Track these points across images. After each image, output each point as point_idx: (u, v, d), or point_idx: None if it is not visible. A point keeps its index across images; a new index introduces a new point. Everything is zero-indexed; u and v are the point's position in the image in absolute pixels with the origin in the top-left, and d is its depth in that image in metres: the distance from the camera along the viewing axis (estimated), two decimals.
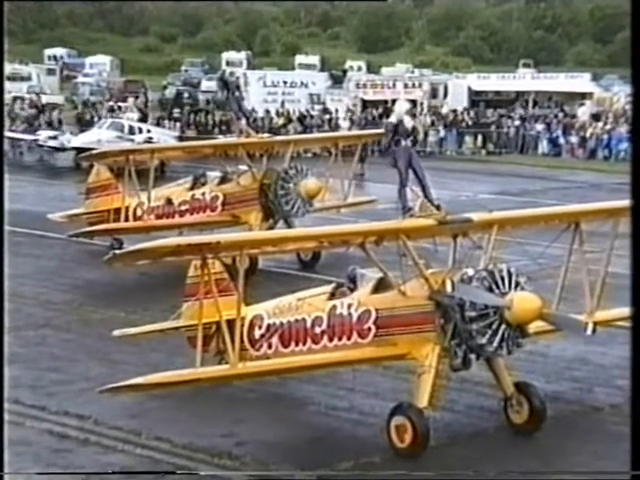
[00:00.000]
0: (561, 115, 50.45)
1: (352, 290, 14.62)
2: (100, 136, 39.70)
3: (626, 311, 13.56)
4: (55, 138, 42.09)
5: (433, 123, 49.04)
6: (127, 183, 24.42)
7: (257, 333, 15.14)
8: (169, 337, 16.17)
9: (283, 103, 51.23)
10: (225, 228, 23.80)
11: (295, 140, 29.93)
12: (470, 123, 49.35)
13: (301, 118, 49.57)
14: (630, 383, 10.51)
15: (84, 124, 47.15)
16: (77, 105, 54.85)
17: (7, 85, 55.26)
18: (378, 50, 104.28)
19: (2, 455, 11.08)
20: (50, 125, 46.35)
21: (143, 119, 45.95)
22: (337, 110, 50.83)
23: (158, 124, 46.98)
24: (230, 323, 13.54)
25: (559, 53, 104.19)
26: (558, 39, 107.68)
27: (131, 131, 40.77)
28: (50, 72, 73.74)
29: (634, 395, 10.43)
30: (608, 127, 47.37)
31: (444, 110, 51.30)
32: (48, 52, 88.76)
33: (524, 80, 59.29)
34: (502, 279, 13.40)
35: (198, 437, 13.95)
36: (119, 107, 50.48)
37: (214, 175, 25.40)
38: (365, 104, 52.22)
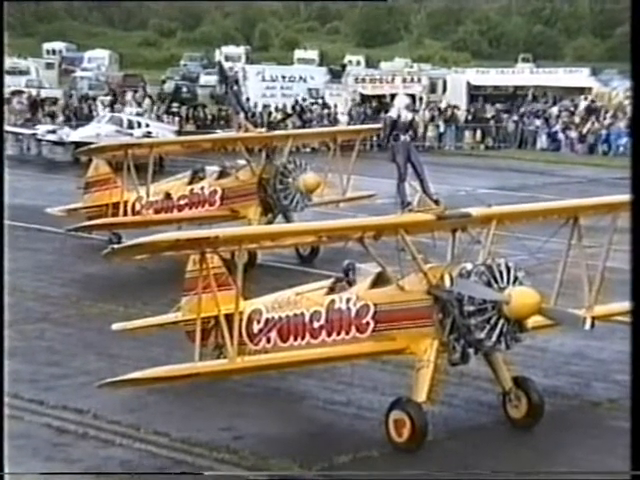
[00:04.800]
0: (556, 109, 50.38)
1: (350, 284, 14.64)
2: (99, 130, 39.70)
3: (625, 306, 13.61)
4: (54, 132, 42.08)
5: (433, 118, 49.03)
6: (126, 177, 24.43)
7: (256, 327, 15.15)
8: (168, 331, 16.17)
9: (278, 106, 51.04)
10: (224, 223, 23.78)
11: (294, 135, 29.91)
12: (469, 118, 49.35)
13: (300, 113, 49.55)
14: (630, 383, 10.49)
15: (82, 118, 47.09)
16: (74, 99, 54.61)
17: (6, 79, 55.19)
18: (377, 44, 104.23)
19: (2, 455, 11.08)
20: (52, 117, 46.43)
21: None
22: (336, 105, 50.84)
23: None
24: (229, 317, 13.55)
25: (558, 47, 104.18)
26: (557, 33, 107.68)
27: (130, 125, 40.75)
28: (49, 66, 73.62)
29: (634, 394, 10.41)
30: (607, 122, 47.36)
31: (443, 105, 51.28)
32: (47, 46, 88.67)
33: (523, 75, 59.25)
34: (500, 274, 13.41)
35: (197, 431, 13.96)
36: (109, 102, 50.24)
37: (213, 170, 25.40)
38: (364, 98, 52.20)
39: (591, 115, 48.52)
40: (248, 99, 50.51)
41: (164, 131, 41.62)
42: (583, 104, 50.49)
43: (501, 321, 13.32)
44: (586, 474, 12.91)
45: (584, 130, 47.43)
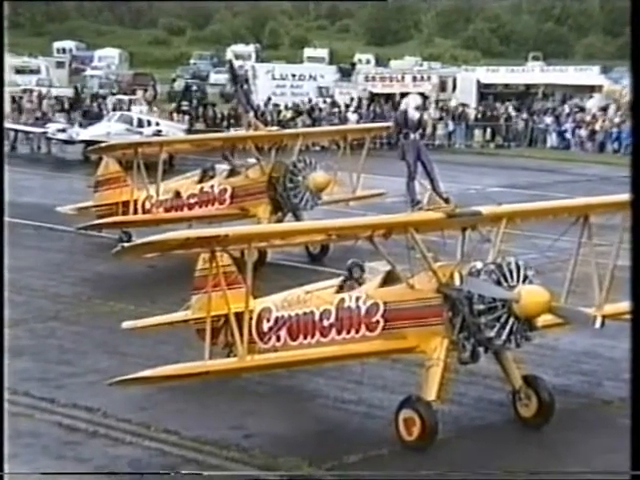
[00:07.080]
0: (566, 108, 50.24)
1: (360, 283, 14.64)
2: (109, 129, 39.76)
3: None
4: (64, 131, 42.15)
5: (441, 117, 48.96)
6: (136, 176, 24.45)
7: (265, 326, 15.15)
8: (178, 330, 16.19)
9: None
10: (234, 221, 23.80)
11: (304, 133, 29.90)
12: (479, 116, 49.28)
13: (310, 111, 49.54)
14: (631, 382, 10.47)
15: (92, 117, 47.16)
16: (85, 98, 54.68)
17: (16, 78, 55.32)
18: (387, 43, 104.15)
19: (2, 455, 11.09)
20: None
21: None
22: (345, 103, 50.80)
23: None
24: (238, 316, 13.55)
25: (568, 45, 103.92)
26: (568, 31, 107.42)
27: (140, 124, 40.80)
28: (59, 65, 73.74)
29: (634, 394, 10.37)
30: (617, 120, 47.20)
31: (453, 103, 51.20)
32: (57, 45, 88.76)
33: (533, 73, 59.15)
34: (510, 272, 13.39)
35: (207, 429, 13.97)
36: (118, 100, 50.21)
37: (222, 168, 25.41)
38: (373, 97, 52.17)
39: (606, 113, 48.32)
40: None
41: (174, 130, 41.65)
42: (591, 102, 50.24)
43: (511, 319, 13.30)
44: (586, 474, 12.88)
45: (596, 127, 47.25)
